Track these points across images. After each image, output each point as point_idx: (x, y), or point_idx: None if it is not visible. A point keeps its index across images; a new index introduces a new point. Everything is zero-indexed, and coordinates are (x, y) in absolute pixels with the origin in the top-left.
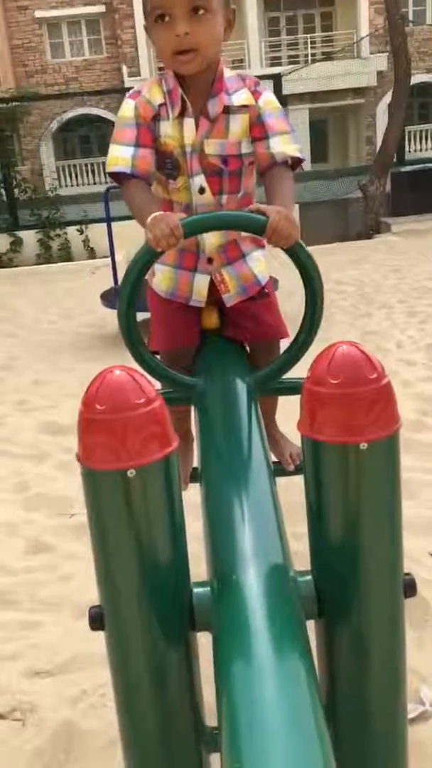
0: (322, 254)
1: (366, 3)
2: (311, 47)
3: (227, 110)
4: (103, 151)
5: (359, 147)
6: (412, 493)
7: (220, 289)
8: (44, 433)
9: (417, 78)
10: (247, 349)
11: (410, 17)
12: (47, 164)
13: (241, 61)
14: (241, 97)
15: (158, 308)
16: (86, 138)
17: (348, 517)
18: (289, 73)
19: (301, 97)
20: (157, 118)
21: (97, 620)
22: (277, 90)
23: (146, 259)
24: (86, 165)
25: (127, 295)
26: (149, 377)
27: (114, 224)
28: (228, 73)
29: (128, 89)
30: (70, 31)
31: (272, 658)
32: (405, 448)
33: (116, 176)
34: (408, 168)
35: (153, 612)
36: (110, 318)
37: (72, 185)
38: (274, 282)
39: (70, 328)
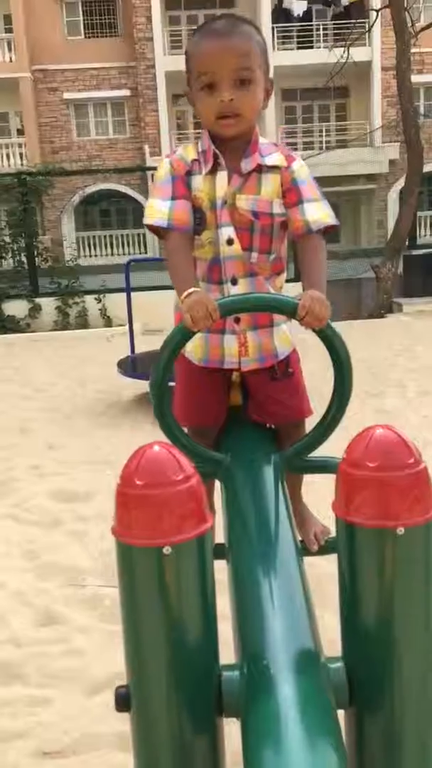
0: None
1: (379, 96)
2: (326, 135)
3: (260, 169)
4: (122, 224)
5: (370, 230)
6: None
7: (240, 351)
8: (57, 500)
9: (429, 167)
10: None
11: (422, 111)
12: (68, 235)
13: None
14: (274, 159)
15: (189, 381)
16: (106, 212)
17: (382, 603)
18: (306, 159)
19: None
20: (189, 173)
21: (123, 701)
22: None
23: (182, 337)
24: (105, 237)
25: (162, 369)
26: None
27: (132, 294)
28: (262, 139)
29: (149, 168)
30: (96, 111)
31: (303, 750)
32: None
33: (155, 230)
34: (420, 251)
35: (181, 695)
36: (125, 386)
37: (91, 255)
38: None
39: (85, 394)
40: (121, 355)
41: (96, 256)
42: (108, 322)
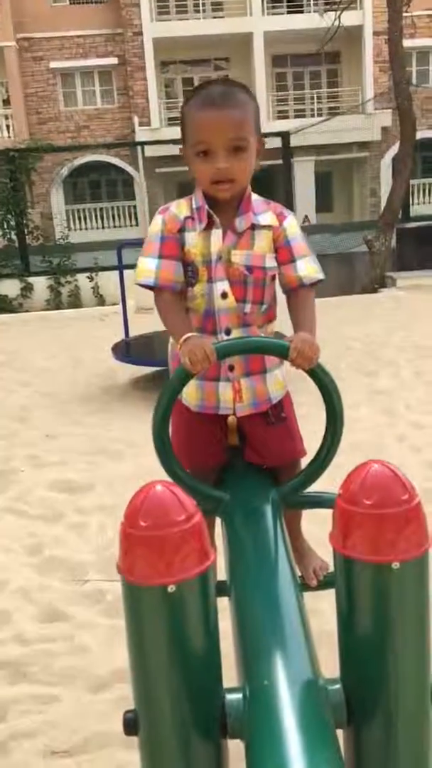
0: (327, 308)
1: (371, 61)
2: (317, 102)
3: (253, 227)
4: (112, 196)
5: (363, 198)
6: None
7: (234, 397)
8: (56, 491)
9: (421, 134)
10: None
11: (414, 77)
12: (57, 208)
13: None
14: (266, 218)
15: (186, 425)
16: (96, 183)
17: (378, 631)
18: (297, 131)
19: (306, 150)
20: (182, 229)
21: (131, 725)
22: (285, 146)
23: (181, 379)
24: (95, 210)
25: (162, 413)
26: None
27: (125, 271)
28: (254, 196)
29: (140, 143)
30: (83, 81)
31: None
32: None
33: (145, 287)
34: (413, 224)
35: (187, 718)
36: (119, 369)
37: (81, 229)
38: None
39: (80, 379)
40: (115, 335)
41: (86, 229)
42: (101, 301)
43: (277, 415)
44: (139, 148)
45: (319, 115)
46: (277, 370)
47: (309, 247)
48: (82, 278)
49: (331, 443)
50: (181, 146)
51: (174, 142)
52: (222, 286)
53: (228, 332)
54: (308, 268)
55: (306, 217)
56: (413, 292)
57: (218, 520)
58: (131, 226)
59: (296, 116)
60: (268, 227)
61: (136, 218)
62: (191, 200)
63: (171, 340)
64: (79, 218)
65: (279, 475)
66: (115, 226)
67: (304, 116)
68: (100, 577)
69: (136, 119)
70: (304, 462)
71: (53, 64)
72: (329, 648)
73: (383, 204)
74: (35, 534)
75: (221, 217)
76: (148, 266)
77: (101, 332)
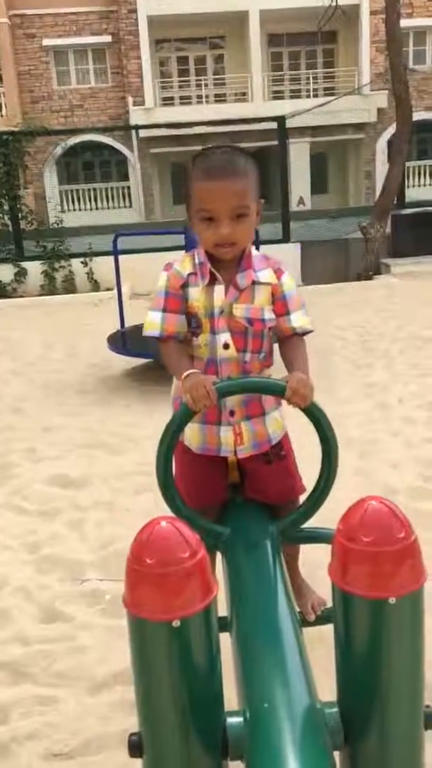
0: (322, 295)
1: (368, 42)
2: (313, 82)
3: (253, 283)
4: (106, 177)
5: (358, 180)
6: None
7: (236, 440)
8: (54, 486)
9: (417, 115)
10: None
11: (410, 56)
12: (50, 188)
13: (244, 94)
14: (266, 276)
15: (188, 466)
16: (89, 163)
17: (374, 660)
18: (293, 115)
19: (301, 131)
20: (186, 285)
21: (136, 748)
22: (281, 130)
23: (183, 418)
24: (89, 191)
25: (165, 450)
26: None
27: (119, 257)
28: (254, 252)
29: (134, 127)
30: (76, 59)
31: None
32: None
33: (152, 338)
34: (408, 211)
35: (190, 741)
36: (115, 358)
37: (74, 210)
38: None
39: (75, 368)
40: (110, 322)
41: (80, 210)
42: (95, 286)
43: (277, 454)
44: (133, 129)
45: (315, 95)
46: (275, 411)
47: (302, 300)
48: (76, 263)
49: (327, 479)
50: (187, 212)
51: (169, 126)
52: (224, 337)
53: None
54: (301, 320)
55: (301, 198)
56: (408, 279)
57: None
58: (125, 207)
59: (292, 97)
60: (268, 284)
61: (130, 198)
62: (194, 256)
63: (174, 382)
64: (73, 199)
65: (277, 511)
66: (108, 207)
67: (299, 97)
68: (99, 577)
69: (130, 99)
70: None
71: (46, 42)
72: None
73: (378, 187)
74: (34, 531)
75: (223, 273)
76: (154, 319)
77: (96, 318)
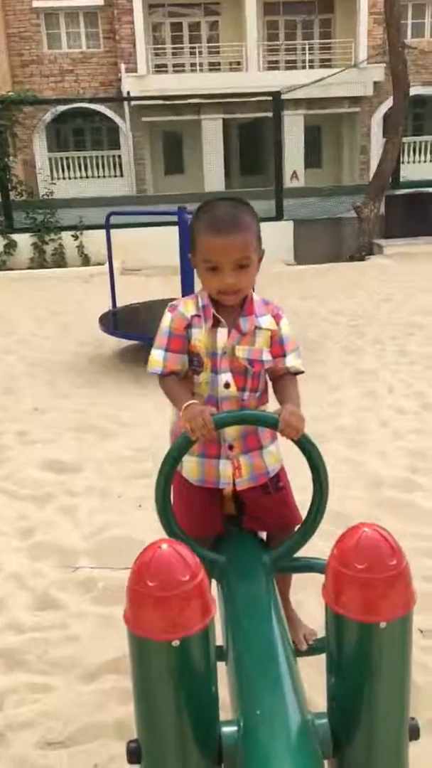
0: (315, 276)
1: (366, 13)
2: (309, 53)
3: (255, 328)
4: (96, 145)
5: (353, 155)
6: None
7: (234, 473)
8: (46, 471)
9: (413, 90)
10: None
11: (409, 30)
12: (40, 156)
13: (239, 63)
14: (267, 322)
15: (186, 498)
16: (80, 130)
17: (363, 678)
18: (289, 90)
19: (297, 102)
20: (189, 326)
21: (134, 754)
22: (277, 105)
23: (182, 447)
24: (79, 158)
25: (164, 479)
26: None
27: (111, 231)
28: (255, 297)
29: (126, 98)
30: (67, 22)
31: None
32: (393, 511)
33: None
34: (402, 191)
35: (186, 749)
36: (106, 338)
37: (64, 178)
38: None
39: (66, 347)
40: (101, 299)
41: (70, 179)
42: (86, 260)
43: (275, 485)
44: (125, 95)
45: (311, 66)
46: (272, 445)
47: (296, 342)
48: (66, 236)
49: (318, 509)
50: (191, 256)
51: (163, 98)
52: (225, 377)
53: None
54: (294, 361)
55: (294, 173)
56: (400, 261)
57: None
58: (116, 176)
59: (287, 68)
60: (268, 329)
61: (121, 168)
62: (197, 299)
63: (172, 417)
64: (63, 167)
65: (272, 542)
66: (99, 176)
67: (295, 68)
68: (91, 565)
69: (122, 66)
70: None
71: (36, 3)
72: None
73: (373, 162)
74: (26, 516)
75: (226, 316)
76: (157, 357)
77: (87, 295)
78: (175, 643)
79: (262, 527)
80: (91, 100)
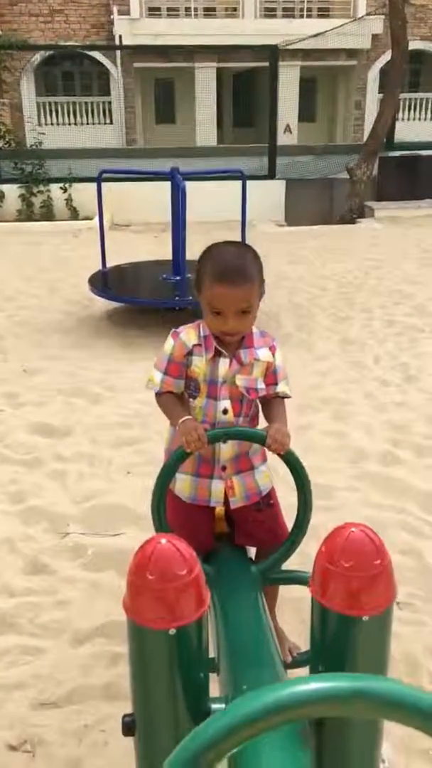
0: (306, 238)
1: None
2: (307, 1)
3: (253, 359)
4: (86, 90)
5: (348, 110)
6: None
7: (228, 493)
8: (36, 434)
9: (412, 44)
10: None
11: None
12: (28, 100)
13: (235, 9)
14: (264, 354)
15: (179, 514)
16: (69, 74)
17: (345, 667)
18: (286, 46)
19: (293, 53)
20: (190, 353)
21: (129, 728)
22: (273, 60)
23: (178, 459)
24: (68, 104)
25: (159, 491)
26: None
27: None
28: (254, 329)
29: (119, 47)
30: None
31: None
32: (374, 484)
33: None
34: (396, 153)
35: (179, 724)
36: (95, 298)
37: (53, 124)
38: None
39: (56, 305)
40: (91, 255)
41: (58, 124)
42: (74, 214)
43: (266, 503)
44: (117, 40)
45: (309, 15)
46: (263, 466)
47: (286, 372)
48: (55, 189)
49: (303, 520)
50: (196, 292)
51: (157, 48)
52: (224, 403)
53: (225, 441)
54: (284, 388)
55: (288, 126)
56: (390, 225)
57: None
58: (106, 123)
59: (284, 16)
60: (265, 361)
61: (111, 114)
62: (199, 328)
63: (167, 437)
64: (51, 112)
65: (260, 556)
66: (88, 123)
67: (293, 16)
68: (81, 531)
69: (114, 9)
70: None
71: None
72: None
73: (368, 118)
74: (16, 480)
75: (226, 347)
76: (156, 378)
77: (76, 251)
78: (172, 631)
79: (253, 543)
80: (82, 47)
